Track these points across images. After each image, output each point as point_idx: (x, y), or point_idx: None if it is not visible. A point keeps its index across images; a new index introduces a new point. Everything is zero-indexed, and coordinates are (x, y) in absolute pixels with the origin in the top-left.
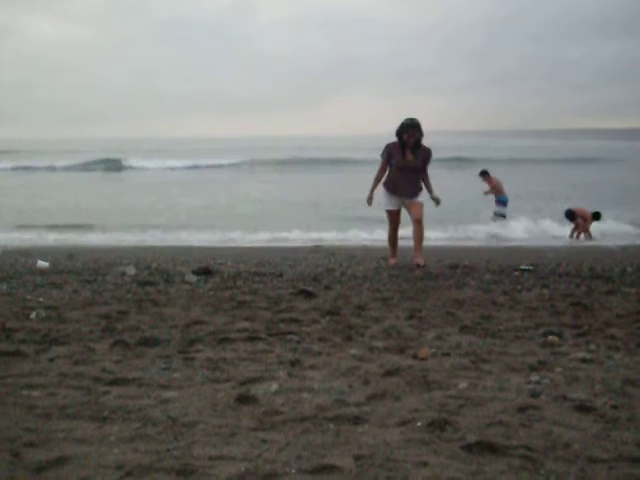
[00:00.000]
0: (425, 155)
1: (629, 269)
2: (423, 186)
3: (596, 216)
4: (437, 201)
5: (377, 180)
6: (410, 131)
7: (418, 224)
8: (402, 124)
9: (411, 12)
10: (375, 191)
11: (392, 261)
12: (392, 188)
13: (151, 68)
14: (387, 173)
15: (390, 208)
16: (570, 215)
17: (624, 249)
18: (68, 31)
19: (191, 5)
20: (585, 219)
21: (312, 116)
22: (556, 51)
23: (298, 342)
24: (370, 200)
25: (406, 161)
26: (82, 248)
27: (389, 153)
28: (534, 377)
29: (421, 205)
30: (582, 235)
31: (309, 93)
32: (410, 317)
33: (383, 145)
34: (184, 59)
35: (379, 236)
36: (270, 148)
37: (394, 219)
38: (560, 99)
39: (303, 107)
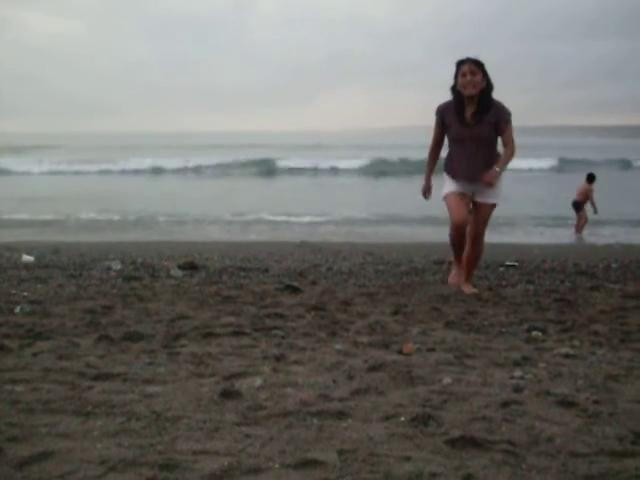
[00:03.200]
0: (498, 116)
1: (614, 265)
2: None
3: (590, 178)
4: (493, 177)
5: (432, 161)
6: (465, 68)
7: (475, 238)
8: (456, 64)
9: (400, 9)
10: (432, 177)
11: (452, 279)
12: (453, 171)
13: (146, 61)
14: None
15: (450, 190)
16: (577, 205)
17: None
18: (66, 25)
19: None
20: (587, 196)
21: (304, 111)
22: (545, 49)
23: (283, 337)
24: (427, 191)
25: (465, 127)
26: (68, 243)
27: (442, 119)
28: (517, 372)
29: (492, 208)
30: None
31: (300, 88)
32: (395, 312)
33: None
34: (179, 53)
35: None
36: (245, 147)
37: (457, 207)
38: (549, 96)
39: (294, 102)
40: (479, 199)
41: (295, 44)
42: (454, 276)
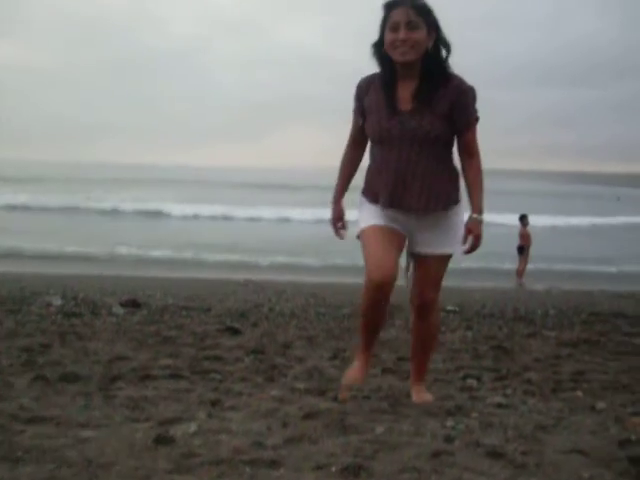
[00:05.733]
0: (456, 101)
1: (551, 312)
2: (456, 186)
3: (523, 220)
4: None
5: (345, 173)
6: (398, 15)
7: (423, 311)
8: (385, 6)
9: (360, 52)
10: (343, 200)
11: (349, 373)
12: (372, 194)
13: (105, 95)
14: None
15: (369, 223)
16: (521, 249)
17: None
18: (27, 58)
19: (141, 39)
20: (529, 239)
21: (259, 148)
22: (487, 96)
23: (220, 381)
24: (337, 221)
25: (395, 117)
26: (8, 274)
27: (362, 105)
28: (450, 422)
29: (446, 262)
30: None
31: (253, 126)
32: (334, 357)
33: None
34: (135, 89)
35: None
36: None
37: (378, 251)
38: (490, 142)
39: (247, 140)
40: (425, 249)
41: (252, 85)
42: (353, 371)
